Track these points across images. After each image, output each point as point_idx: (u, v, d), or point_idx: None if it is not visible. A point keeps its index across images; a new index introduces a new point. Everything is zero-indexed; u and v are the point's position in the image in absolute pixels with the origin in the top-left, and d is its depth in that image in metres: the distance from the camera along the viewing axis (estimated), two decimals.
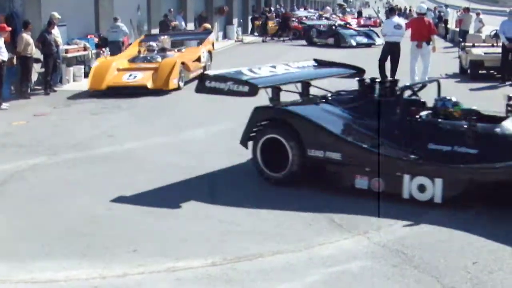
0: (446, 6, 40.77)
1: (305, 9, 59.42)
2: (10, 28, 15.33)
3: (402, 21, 18.82)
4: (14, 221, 7.09)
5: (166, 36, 20.22)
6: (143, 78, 16.47)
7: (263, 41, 36.44)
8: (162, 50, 18.56)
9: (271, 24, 40.18)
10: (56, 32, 17.18)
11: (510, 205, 7.06)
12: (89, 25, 21.99)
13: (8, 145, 10.90)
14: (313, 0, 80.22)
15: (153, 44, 18.58)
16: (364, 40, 31.29)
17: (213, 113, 13.29)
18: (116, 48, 20.85)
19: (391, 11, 19.21)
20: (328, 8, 67.70)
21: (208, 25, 31.22)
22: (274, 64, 9.53)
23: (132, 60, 17.84)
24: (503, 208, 7.09)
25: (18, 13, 17.28)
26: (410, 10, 63.93)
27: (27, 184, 8.54)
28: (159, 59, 17.41)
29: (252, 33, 41.53)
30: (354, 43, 30.75)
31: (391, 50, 17.69)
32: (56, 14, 17.29)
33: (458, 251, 5.94)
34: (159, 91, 16.17)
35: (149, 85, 16.24)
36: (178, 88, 16.71)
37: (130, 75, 16.57)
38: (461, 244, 6.09)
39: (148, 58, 17.75)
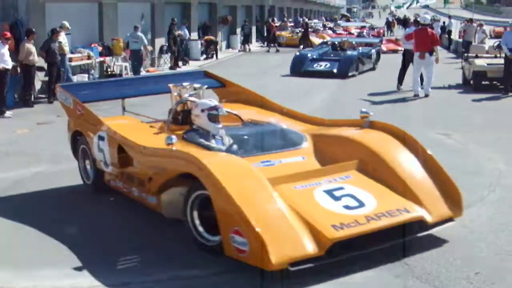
0: (449, 17, 40.71)
1: (309, 19, 59.44)
2: (10, 35, 15.34)
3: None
4: (17, 228, 7.10)
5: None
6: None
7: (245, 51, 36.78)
8: None
9: (287, 34, 42.24)
10: (64, 41, 17.32)
11: (510, 217, 7.12)
12: (93, 33, 22.05)
13: (11, 153, 10.92)
14: (317, 10, 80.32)
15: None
16: (321, 67, 23.53)
17: None
18: (137, 56, 21.85)
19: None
20: (322, 18, 68.30)
21: (212, 37, 31.47)
22: None
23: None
24: (505, 219, 7.11)
25: (22, 21, 17.33)
26: (405, 20, 63.81)
27: (29, 192, 8.55)
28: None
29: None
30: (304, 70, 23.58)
31: (403, 57, 19.35)
32: (67, 24, 17.72)
33: (460, 261, 5.93)
34: None
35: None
36: None
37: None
38: (463, 254, 6.09)
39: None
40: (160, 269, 5.84)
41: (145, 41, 22.49)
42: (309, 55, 24.69)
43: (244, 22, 38.63)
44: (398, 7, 70.27)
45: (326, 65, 23.54)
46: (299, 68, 23.62)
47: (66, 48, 17.53)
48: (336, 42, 26.98)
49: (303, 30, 39.32)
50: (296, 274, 5.35)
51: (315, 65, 23.64)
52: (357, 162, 6.82)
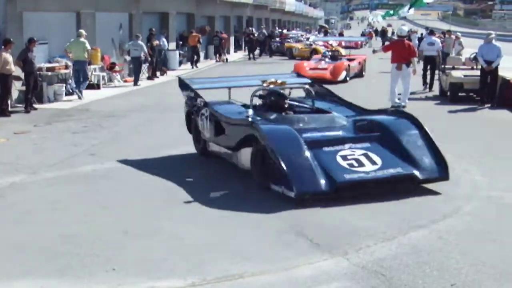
0: (427, 28, 41.07)
1: (288, 30, 59.67)
2: None
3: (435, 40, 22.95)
4: None
5: None
6: None
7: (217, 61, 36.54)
8: None
9: (300, 46, 40.90)
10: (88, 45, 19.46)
11: (486, 228, 7.18)
12: None
13: None
14: (295, 21, 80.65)
15: None
16: None
17: None
18: (137, 63, 23.65)
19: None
20: (298, 29, 68.90)
21: (197, 44, 31.68)
22: None
23: None
24: (481, 230, 7.17)
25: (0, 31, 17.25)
26: (383, 31, 63.83)
27: (5, 203, 8.48)
28: None
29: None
30: None
31: (426, 63, 21.77)
32: (83, 31, 19.74)
33: (437, 273, 5.96)
34: None
35: None
36: None
37: None
38: (439, 266, 6.12)
39: None
40: (136, 280, 5.80)
41: (145, 49, 23.84)
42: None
43: (215, 33, 38.45)
44: (388, 14, 71.44)
45: None
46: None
47: (88, 50, 19.46)
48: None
49: (248, 40, 39.30)
50: None
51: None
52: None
